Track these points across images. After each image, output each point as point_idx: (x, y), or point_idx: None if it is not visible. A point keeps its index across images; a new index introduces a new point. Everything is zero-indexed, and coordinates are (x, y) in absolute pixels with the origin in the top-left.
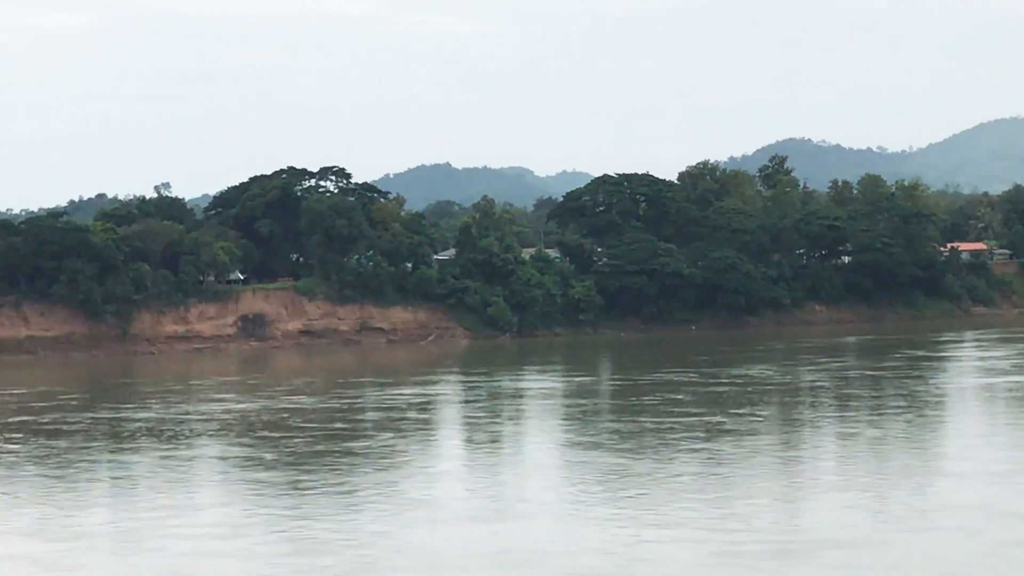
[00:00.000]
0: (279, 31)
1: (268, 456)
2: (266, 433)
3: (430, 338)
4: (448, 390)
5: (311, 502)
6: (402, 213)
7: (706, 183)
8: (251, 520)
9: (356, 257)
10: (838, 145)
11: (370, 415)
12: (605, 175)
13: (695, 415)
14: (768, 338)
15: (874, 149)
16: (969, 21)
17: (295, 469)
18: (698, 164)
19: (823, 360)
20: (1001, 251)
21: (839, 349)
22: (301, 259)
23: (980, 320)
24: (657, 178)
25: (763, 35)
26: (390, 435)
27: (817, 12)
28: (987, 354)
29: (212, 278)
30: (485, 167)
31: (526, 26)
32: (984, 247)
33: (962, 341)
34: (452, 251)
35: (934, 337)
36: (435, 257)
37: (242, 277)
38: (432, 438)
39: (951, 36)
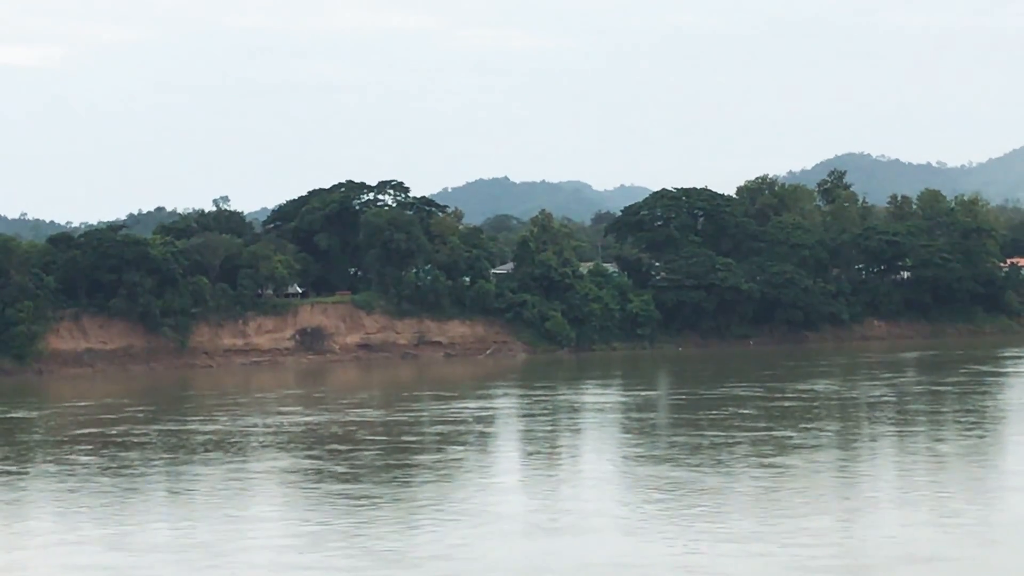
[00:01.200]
0: (337, 45)
1: (339, 469)
2: (335, 446)
3: (488, 352)
4: (512, 404)
5: (385, 515)
6: (460, 227)
7: (764, 198)
8: (327, 533)
9: (414, 271)
10: (897, 160)
11: (437, 428)
12: (663, 189)
13: (762, 429)
14: (828, 353)
15: (933, 164)
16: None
17: (367, 482)
18: (757, 179)
19: (887, 375)
20: None
21: (900, 364)
22: (359, 273)
23: None
24: (715, 193)
25: (822, 49)
26: (460, 448)
27: (876, 26)
28: None
29: (270, 291)
30: (543, 181)
31: (584, 40)
32: None
33: None
34: (510, 265)
35: (996, 353)
36: (493, 271)
37: (300, 291)
38: (500, 451)
39: (1012, 51)
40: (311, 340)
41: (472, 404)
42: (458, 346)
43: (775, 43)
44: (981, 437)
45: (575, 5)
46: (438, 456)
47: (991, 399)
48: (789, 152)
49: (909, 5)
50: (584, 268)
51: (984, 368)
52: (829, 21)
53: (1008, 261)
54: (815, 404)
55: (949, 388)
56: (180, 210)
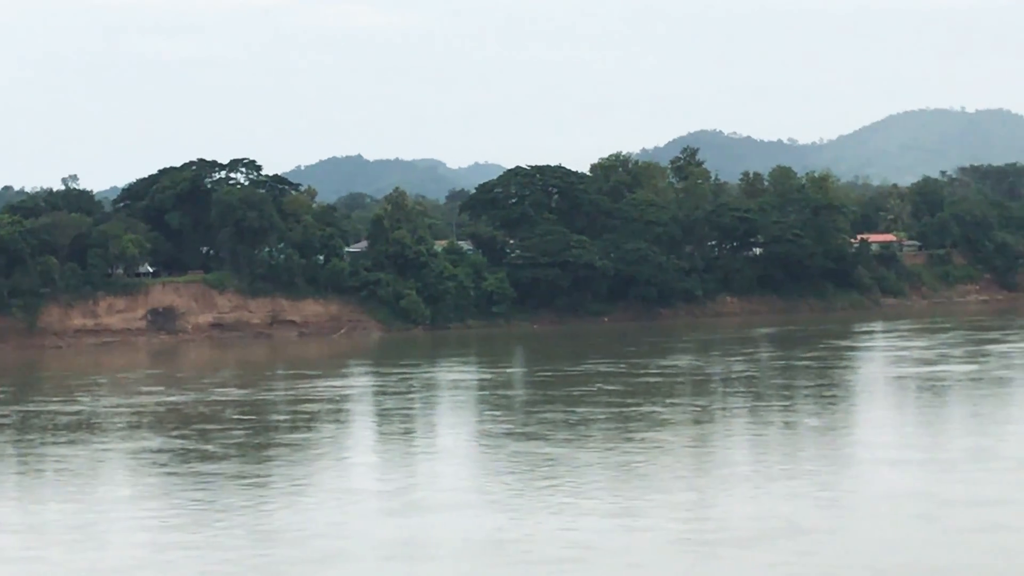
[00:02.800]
0: (188, 22)
1: (211, 448)
2: (204, 426)
3: (342, 331)
4: (378, 382)
5: (262, 494)
6: (313, 205)
7: (618, 175)
8: (206, 512)
9: (267, 249)
10: (749, 137)
11: (305, 406)
12: (517, 167)
13: (631, 405)
14: (683, 329)
15: (784, 141)
16: (878, 12)
17: (240, 461)
18: (610, 156)
19: (748, 351)
20: (910, 243)
21: (758, 340)
22: (211, 252)
23: (890, 311)
24: (569, 170)
25: (674, 27)
26: (331, 426)
27: (729, 6)
28: (910, 344)
29: (121, 271)
30: (397, 159)
31: (438, 17)
32: (894, 238)
33: (883, 332)
34: (364, 243)
35: (848, 328)
36: (347, 249)
37: (151, 270)
38: (372, 430)
39: (860, 29)
40: (163, 320)
41: (337, 383)
42: (312, 325)
43: (628, 21)
44: (848, 412)
45: None
46: (309, 435)
47: (854, 374)
48: (642, 130)
49: None
50: (439, 246)
51: (840, 343)
52: (677, 2)
53: (858, 237)
54: (679, 380)
55: (808, 363)
56: (28, 189)
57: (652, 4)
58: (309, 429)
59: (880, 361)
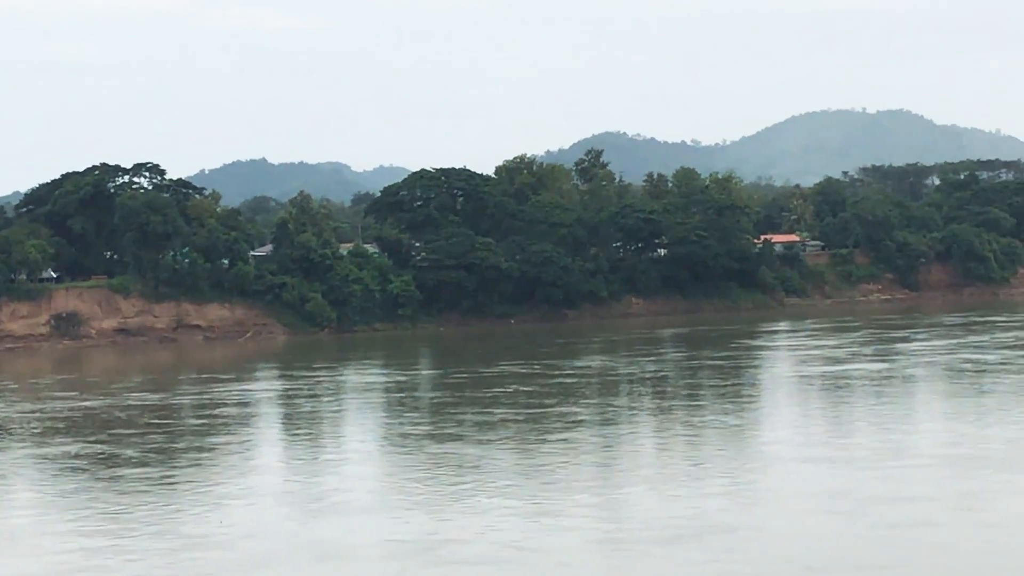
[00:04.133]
0: (91, 25)
1: (131, 453)
2: (121, 431)
3: (248, 335)
4: (290, 385)
5: (186, 498)
6: (218, 209)
7: (523, 177)
8: (132, 517)
9: (171, 254)
10: (653, 139)
11: (222, 410)
12: (422, 170)
13: (549, 406)
14: (589, 331)
15: (688, 143)
16: (778, 15)
17: (162, 466)
18: (515, 158)
19: (660, 351)
20: (813, 243)
21: (668, 340)
22: (115, 256)
23: (793, 311)
24: (474, 172)
25: (579, 29)
26: (249, 430)
27: (633, 8)
28: (820, 343)
29: (24, 277)
30: (302, 162)
31: (341, 20)
32: (797, 239)
33: (791, 331)
34: (269, 247)
35: (756, 328)
36: (252, 253)
37: (55, 275)
38: (292, 433)
39: (763, 32)
40: (67, 325)
41: (250, 386)
42: (217, 329)
43: (532, 24)
44: (757, 410)
45: None
46: (228, 439)
47: (763, 372)
48: (547, 132)
49: None
50: (344, 249)
51: (750, 343)
52: (580, 5)
53: (761, 237)
54: (594, 380)
55: (721, 363)
56: None
57: (556, 7)
58: (227, 433)
59: (792, 360)
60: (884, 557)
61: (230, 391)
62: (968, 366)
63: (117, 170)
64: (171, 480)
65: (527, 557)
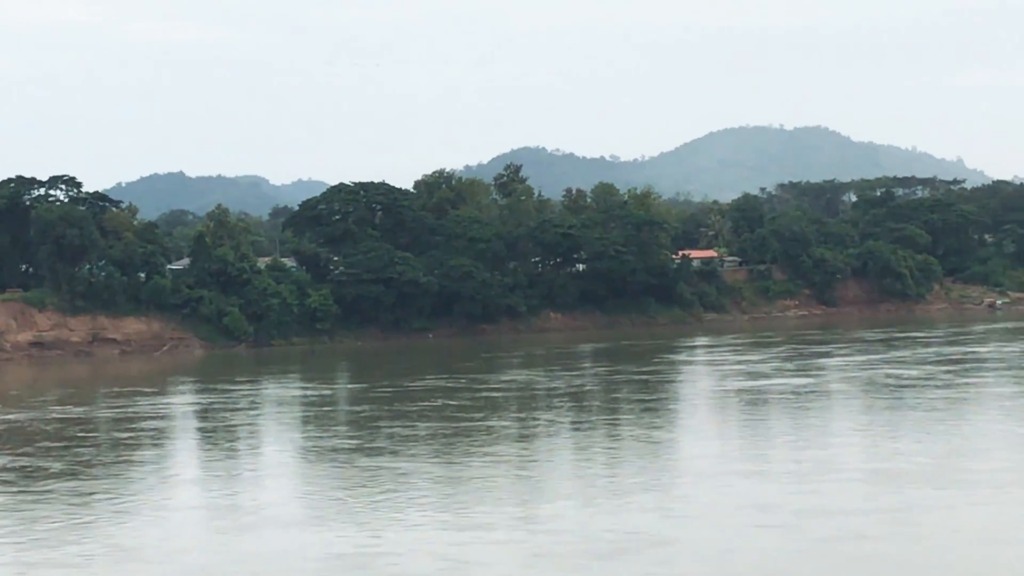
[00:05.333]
0: (5, 37)
1: (58, 466)
2: (47, 443)
3: (165, 348)
4: (215, 399)
5: (115, 510)
6: (135, 222)
7: (442, 192)
8: (57, 530)
9: (87, 267)
10: (572, 154)
11: (148, 424)
12: (341, 184)
13: (477, 419)
14: (508, 345)
15: (607, 158)
16: (698, 34)
17: (89, 478)
18: (434, 173)
19: (584, 365)
20: (731, 258)
21: (591, 355)
22: (30, 269)
23: (711, 326)
24: (393, 187)
25: (498, 44)
26: (177, 443)
27: (552, 24)
28: (743, 357)
29: None
30: (219, 175)
31: (258, 34)
32: (714, 254)
33: (712, 346)
34: (186, 260)
35: (677, 343)
36: (169, 267)
37: None
38: (216, 446)
39: (681, 48)
40: None
41: (174, 400)
42: (134, 343)
43: (451, 40)
44: (684, 424)
45: None
46: (157, 451)
47: (688, 387)
48: (466, 147)
49: (549, 8)
50: (262, 263)
51: (673, 357)
52: (498, 21)
53: (679, 253)
54: (521, 394)
55: (646, 377)
56: None
57: (475, 23)
58: (155, 446)
59: (714, 375)
60: (822, 571)
61: (152, 404)
62: (891, 381)
63: (33, 182)
64: (101, 493)
65: (465, 570)
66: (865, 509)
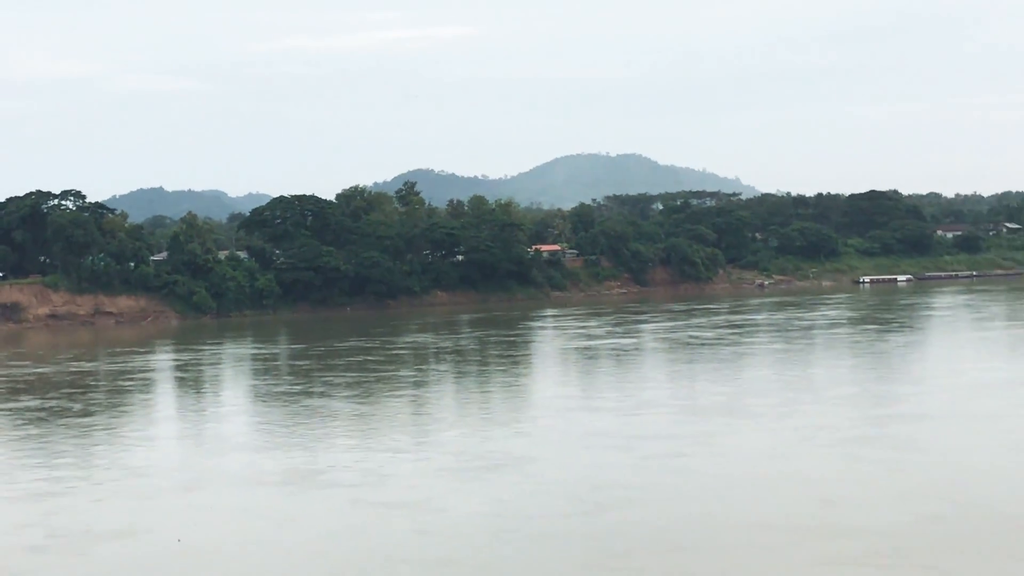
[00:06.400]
0: (19, 79)
1: (78, 406)
2: (69, 390)
3: (149, 319)
4: (194, 356)
5: (127, 438)
6: (126, 225)
7: (357, 202)
8: (85, 453)
9: (90, 259)
10: (453, 174)
11: (147, 374)
12: (281, 196)
13: (393, 370)
14: (408, 316)
15: (480, 177)
16: (548, 80)
17: (107, 416)
18: (350, 188)
19: (465, 331)
20: (571, 251)
21: (473, 323)
22: (47, 260)
23: (557, 301)
24: (320, 198)
25: (400, 85)
26: (171, 387)
27: (445, 78)
28: (584, 324)
29: None
30: (190, 190)
31: (222, 83)
32: (559, 248)
33: (561, 315)
34: (165, 254)
35: (534, 314)
36: (152, 258)
37: (1, 275)
38: (204, 390)
39: (537, 90)
40: (10, 312)
41: (159, 357)
42: (126, 315)
43: (365, 83)
44: (544, 372)
45: (194, 40)
46: (148, 395)
47: (547, 345)
48: (374, 167)
49: (445, 64)
50: (222, 255)
51: (533, 324)
52: (403, 69)
53: (533, 247)
54: (421, 351)
55: (514, 338)
56: None
57: (393, 75)
58: (146, 392)
59: (563, 337)
60: (652, 478)
61: (143, 361)
62: (692, 340)
63: (48, 195)
64: (110, 427)
65: (387, 481)
66: (678, 434)
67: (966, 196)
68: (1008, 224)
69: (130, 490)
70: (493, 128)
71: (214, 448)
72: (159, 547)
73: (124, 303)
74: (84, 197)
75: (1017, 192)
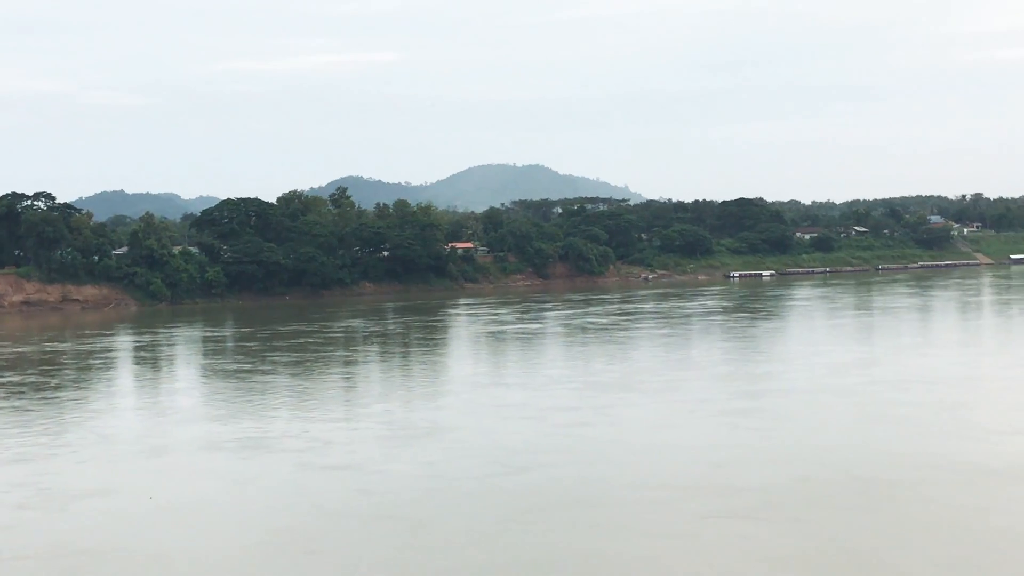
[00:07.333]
0: None
1: (55, 381)
2: (46, 367)
3: (111, 306)
4: (154, 338)
5: (99, 407)
6: (91, 223)
7: (295, 204)
8: (62, 421)
9: (59, 252)
10: (380, 180)
11: (113, 353)
12: (228, 199)
13: (331, 351)
14: (340, 304)
15: (403, 183)
16: (458, 99)
17: (78, 390)
18: (289, 191)
19: (392, 317)
20: (482, 248)
21: (398, 311)
22: (21, 254)
23: (471, 292)
24: (263, 200)
25: (330, 105)
26: (135, 364)
27: (362, 92)
28: (495, 311)
29: None
30: (147, 192)
31: (174, 100)
32: (472, 246)
33: (475, 304)
34: (126, 248)
35: (452, 303)
36: (114, 252)
37: None
38: (167, 366)
39: (456, 106)
40: None
41: (123, 339)
42: (91, 302)
43: (303, 100)
44: (460, 353)
45: (153, 61)
46: (113, 372)
47: (463, 330)
48: (311, 174)
49: (373, 83)
50: (176, 250)
51: (451, 312)
52: (330, 87)
53: (449, 245)
54: (354, 335)
55: (435, 323)
56: None
57: (307, 97)
58: (112, 369)
59: (477, 323)
60: (560, 444)
61: (108, 342)
62: (590, 326)
63: (23, 196)
64: (82, 399)
65: (330, 447)
66: (581, 406)
67: (821, 203)
68: (856, 227)
69: (103, 455)
70: (415, 140)
71: (175, 418)
72: (133, 503)
73: (89, 291)
74: (54, 198)
75: (864, 200)
